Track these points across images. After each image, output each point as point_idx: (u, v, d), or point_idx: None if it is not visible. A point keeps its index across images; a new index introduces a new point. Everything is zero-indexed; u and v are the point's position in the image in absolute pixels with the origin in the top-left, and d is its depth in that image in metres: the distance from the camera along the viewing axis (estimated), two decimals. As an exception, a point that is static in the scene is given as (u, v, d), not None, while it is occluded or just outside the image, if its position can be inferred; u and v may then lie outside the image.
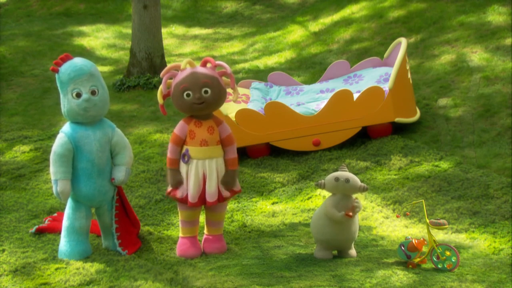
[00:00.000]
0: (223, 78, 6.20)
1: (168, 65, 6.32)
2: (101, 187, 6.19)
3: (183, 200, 6.18)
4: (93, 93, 6.04)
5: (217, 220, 6.37)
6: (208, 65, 6.16)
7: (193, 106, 6.06)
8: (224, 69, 6.17)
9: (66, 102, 6.06)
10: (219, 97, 6.12)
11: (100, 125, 6.18)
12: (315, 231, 6.07)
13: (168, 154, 6.22)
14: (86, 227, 6.23)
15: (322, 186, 5.95)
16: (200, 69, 6.10)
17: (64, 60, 6.06)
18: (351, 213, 5.83)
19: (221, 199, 6.21)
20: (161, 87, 6.18)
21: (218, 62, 6.19)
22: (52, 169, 6.08)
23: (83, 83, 6.00)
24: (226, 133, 6.22)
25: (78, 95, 6.00)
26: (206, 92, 6.03)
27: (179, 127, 6.19)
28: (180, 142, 6.18)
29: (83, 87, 6.00)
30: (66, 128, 6.15)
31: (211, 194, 6.13)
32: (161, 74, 6.18)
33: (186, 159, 6.14)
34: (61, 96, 6.10)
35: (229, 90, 6.31)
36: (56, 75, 6.07)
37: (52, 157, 6.08)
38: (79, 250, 6.16)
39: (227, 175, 6.19)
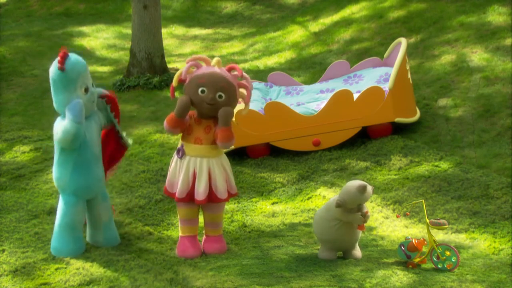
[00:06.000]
0: (240, 90, 6.23)
1: (198, 55, 6.37)
2: (97, 175, 6.26)
3: (172, 195, 6.24)
4: (93, 85, 6.20)
5: (214, 221, 6.36)
6: (233, 72, 6.19)
7: (203, 104, 6.09)
8: (245, 81, 6.21)
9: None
10: (230, 106, 6.16)
11: (96, 115, 6.27)
12: (319, 231, 6.04)
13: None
14: (82, 223, 6.31)
15: (344, 204, 5.82)
16: (224, 72, 6.15)
17: (66, 58, 6.03)
18: (364, 226, 5.92)
19: (215, 200, 6.21)
20: (181, 69, 6.20)
21: (244, 74, 6.21)
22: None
23: (87, 77, 6.12)
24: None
25: (86, 90, 6.08)
26: (220, 96, 6.07)
27: None
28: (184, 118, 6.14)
29: (88, 81, 6.11)
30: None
31: (199, 192, 6.15)
32: (187, 60, 6.23)
33: (180, 154, 6.17)
34: (65, 95, 6.00)
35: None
36: (61, 75, 5.95)
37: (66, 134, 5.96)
38: (75, 248, 6.22)
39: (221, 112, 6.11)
